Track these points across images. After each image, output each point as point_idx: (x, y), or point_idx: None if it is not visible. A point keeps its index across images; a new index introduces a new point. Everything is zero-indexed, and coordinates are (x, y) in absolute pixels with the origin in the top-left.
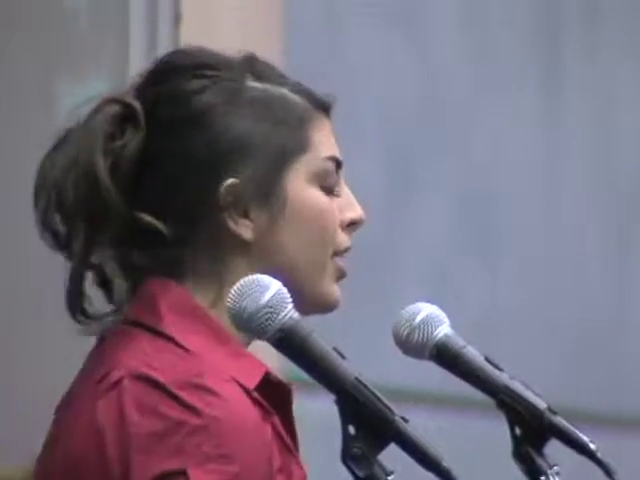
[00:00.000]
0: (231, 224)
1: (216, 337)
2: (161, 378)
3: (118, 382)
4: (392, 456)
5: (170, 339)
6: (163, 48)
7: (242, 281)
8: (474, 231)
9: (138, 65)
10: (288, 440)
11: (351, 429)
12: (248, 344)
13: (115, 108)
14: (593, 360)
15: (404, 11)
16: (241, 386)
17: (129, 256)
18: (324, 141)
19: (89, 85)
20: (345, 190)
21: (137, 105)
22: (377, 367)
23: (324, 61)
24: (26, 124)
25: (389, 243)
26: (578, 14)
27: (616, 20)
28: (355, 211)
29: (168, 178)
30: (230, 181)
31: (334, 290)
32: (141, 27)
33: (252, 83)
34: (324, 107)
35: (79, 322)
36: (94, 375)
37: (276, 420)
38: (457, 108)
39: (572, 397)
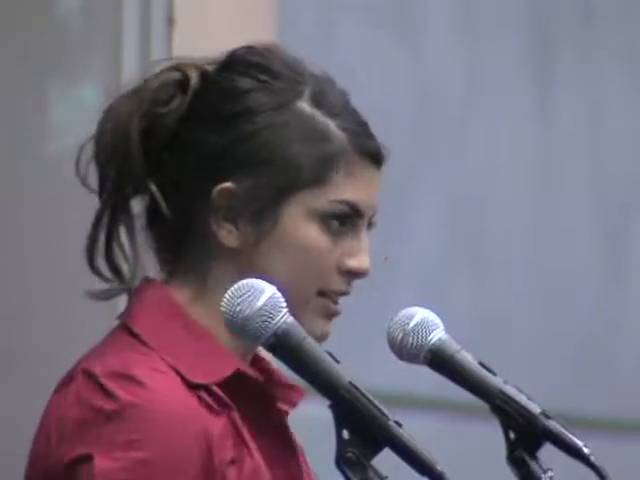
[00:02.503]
0: (213, 226)
1: (189, 334)
2: (95, 369)
3: (73, 377)
4: (387, 460)
5: (136, 336)
6: (156, 51)
7: (237, 285)
8: (467, 235)
9: (131, 69)
10: (247, 435)
11: (345, 434)
12: (248, 351)
13: (175, 75)
14: (588, 365)
15: (397, 12)
16: (184, 379)
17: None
18: (347, 185)
19: (81, 89)
20: (361, 237)
21: (194, 78)
22: (371, 371)
23: (317, 63)
24: (18, 127)
25: (381, 247)
26: (571, 15)
27: (609, 21)
28: (358, 260)
29: (180, 164)
30: (225, 185)
31: (317, 326)
32: (134, 30)
33: (302, 104)
34: (368, 154)
35: (96, 274)
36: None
37: (235, 414)
38: (449, 110)
39: (565, 402)
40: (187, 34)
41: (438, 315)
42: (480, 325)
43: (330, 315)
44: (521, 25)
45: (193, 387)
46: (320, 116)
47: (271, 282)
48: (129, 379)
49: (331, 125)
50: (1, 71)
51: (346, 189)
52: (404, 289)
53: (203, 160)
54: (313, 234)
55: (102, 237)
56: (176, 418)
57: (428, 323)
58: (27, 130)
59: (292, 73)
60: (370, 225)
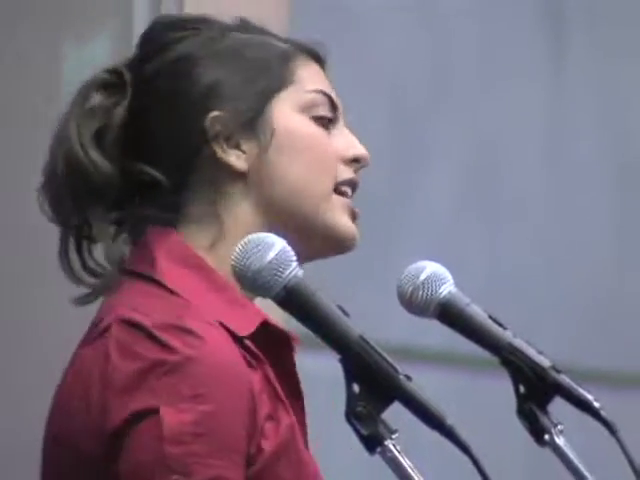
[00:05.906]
0: (221, 153)
1: (211, 284)
2: (143, 320)
3: (107, 328)
4: (396, 415)
5: (162, 285)
6: (167, 8)
7: (246, 239)
8: (480, 196)
9: (143, 25)
10: (278, 388)
11: (355, 387)
12: (253, 297)
13: (104, 76)
14: (600, 321)
15: None
16: (227, 330)
17: (130, 213)
18: (311, 76)
19: (94, 46)
20: (345, 131)
21: (124, 70)
22: (381, 325)
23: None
24: (30, 86)
25: (394, 204)
26: None
27: None
28: (358, 148)
29: (156, 128)
30: (214, 113)
31: (345, 221)
32: None
33: (235, 34)
34: (311, 52)
35: (78, 282)
36: (90, 326)
37: (268, 368)
38: (465, 76)
39: (577, 358)
40: None
41: (451, 273)
42: (492, 283)
43: (352, 213)
44: None
45: (235, 340)
46: (255, 36)
47: (286, 194)
48: (186, 331)
49: (269, 39)
50: (14, 29)
51: (310, 80)
52: (417, 244)
53: (177, 111)
54: (308, 124)
55: (73, 250)
56: (231, 372)
57: (438, 277)
58: (40, 88)
59: (213, 19)
60: None
